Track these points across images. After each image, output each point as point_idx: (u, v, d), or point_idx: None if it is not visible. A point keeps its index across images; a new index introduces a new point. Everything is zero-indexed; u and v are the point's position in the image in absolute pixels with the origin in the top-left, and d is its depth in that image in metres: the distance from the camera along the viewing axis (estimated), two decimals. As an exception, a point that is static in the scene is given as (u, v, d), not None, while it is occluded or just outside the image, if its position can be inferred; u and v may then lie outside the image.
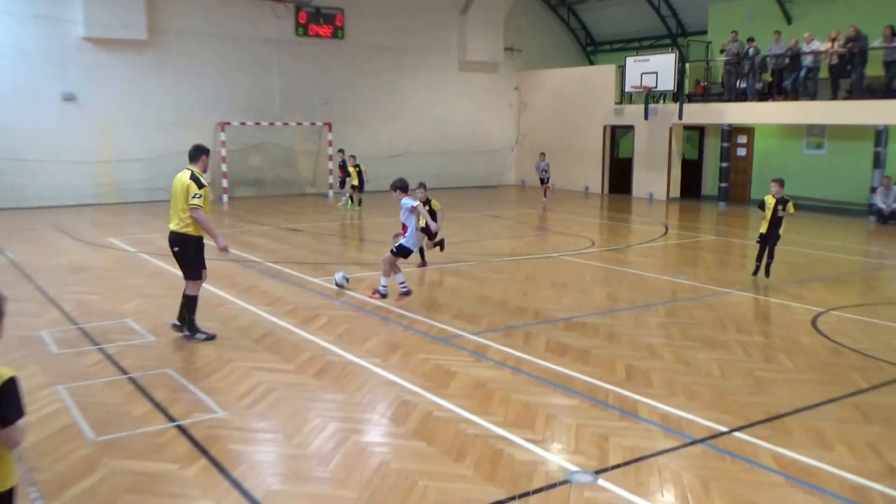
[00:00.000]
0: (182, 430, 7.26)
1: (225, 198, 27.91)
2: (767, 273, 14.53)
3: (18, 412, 4.10)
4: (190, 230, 9.96)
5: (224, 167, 27.90)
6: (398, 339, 10.38)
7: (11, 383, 4.08)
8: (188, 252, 10.12)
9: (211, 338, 10.23)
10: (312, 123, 30.47)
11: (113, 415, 7.68)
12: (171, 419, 7.54)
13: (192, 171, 9.97)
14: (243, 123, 28.72)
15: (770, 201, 14.69)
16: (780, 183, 14.80)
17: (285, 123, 29.79)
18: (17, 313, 11.40)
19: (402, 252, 12.45)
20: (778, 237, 14.65)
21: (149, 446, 6.92)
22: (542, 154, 29.74)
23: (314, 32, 30.48)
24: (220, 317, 11.54)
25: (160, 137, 27.68)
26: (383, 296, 12.52)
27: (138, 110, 27.43)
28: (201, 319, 10.53)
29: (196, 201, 9.76)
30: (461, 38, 34.16)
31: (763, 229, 14.70)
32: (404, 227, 12.51)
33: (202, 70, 28.49)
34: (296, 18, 29.97)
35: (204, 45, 28.41)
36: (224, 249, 10.18)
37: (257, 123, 29.05)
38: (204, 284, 13.56)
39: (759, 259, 14.73)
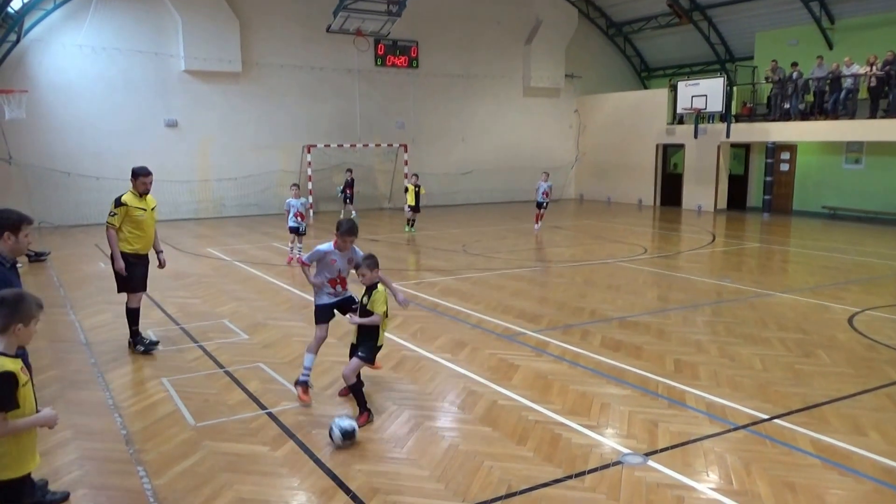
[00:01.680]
0: (272, 416, 7.39)
1: (311, 212, 28.28)
2: None
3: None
4: (119, 247, 9.52)
5: (310, 185, 28.24)
6: (466, 337, 10.41)
7: (4, 378, 4.07)
8: (113, 268, 9.62)
9: (149, 349, 9.73)
10: (390, 145, 30.64)
11: (211, 403, 7.83)
12: (263, 407, 7.67)
13: (127, 192, 9.60)
14: (327, 146, 28.99)
15: None
16: None
17: (365, 145, 29.96)
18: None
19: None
20: None
21: (243, 431, 7.04)
22: (546, 174, 24.31)
23: (391, 63, 30.77)
24: (307, 317, 11.70)
25: (253, 158, 28.35)
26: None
27: (233, 134, 27.99)
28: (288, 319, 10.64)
29: (109, 219, 9.41)
30: (526, 66, 34.12)
31: None
32: (340, 282, 8.12)
33: (290, 98, 28.92)
34: (375, 50, 30.26)
35: (292, 75, 28.86)
36: (120, 270, 9.47)
37: (340, 145, 29.27)
38: (293, 289, 13.82)
39: None
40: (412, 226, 22.93)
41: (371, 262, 7.46)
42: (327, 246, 8.04)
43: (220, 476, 6.06)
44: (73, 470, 6.18)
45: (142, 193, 9.60)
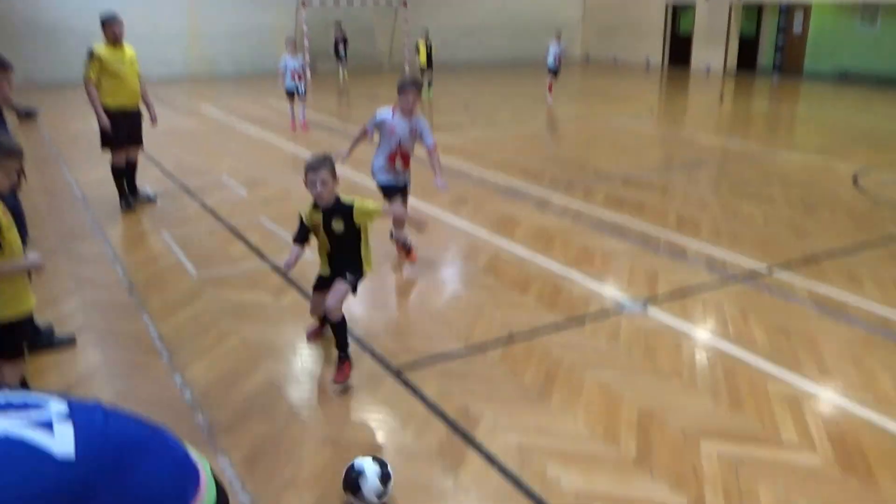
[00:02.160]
0: (275, 267, 7.45)
1: (308, 70, 27.77)
2: None
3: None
4: (102, 102, 9.17)
5: (307, 42, 27.59)
6: (468, 193, 10.44)
7: None
8: (98, 125, 9.31)
9: (131, 205, 9.62)
10: (389, 2, 29.84)
11: (213, 255, 7.92)
12: (265, 259, 7.76)
13: (100, 43, 9.10)
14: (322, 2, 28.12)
15: None
16: None
17: (363, 2, 29.16)
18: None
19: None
20: None
21: (245, 281, 7.14)
22: (559, 33, 20.94)
23: None
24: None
25: (246, 14, 27.67)
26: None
27: (225, -12, 27.26)
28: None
29: (85, 73, 8.99)
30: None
31: None
32: (401, 157, 7.35)
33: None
34: None
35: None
36: (105, 127, 9.14)
37: (336, 2, 28.29)
38: (292, 146, 13.78)
39: None
40: (429, 87, 20.76)
41: (330, 164, 5.18)
42: (386, 111, 7.12)
43: (224, 321, 6.20)
44: (78, 316, 6.33)
45: (114, 42, 9.12)
